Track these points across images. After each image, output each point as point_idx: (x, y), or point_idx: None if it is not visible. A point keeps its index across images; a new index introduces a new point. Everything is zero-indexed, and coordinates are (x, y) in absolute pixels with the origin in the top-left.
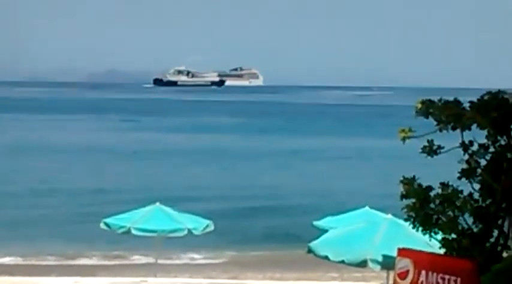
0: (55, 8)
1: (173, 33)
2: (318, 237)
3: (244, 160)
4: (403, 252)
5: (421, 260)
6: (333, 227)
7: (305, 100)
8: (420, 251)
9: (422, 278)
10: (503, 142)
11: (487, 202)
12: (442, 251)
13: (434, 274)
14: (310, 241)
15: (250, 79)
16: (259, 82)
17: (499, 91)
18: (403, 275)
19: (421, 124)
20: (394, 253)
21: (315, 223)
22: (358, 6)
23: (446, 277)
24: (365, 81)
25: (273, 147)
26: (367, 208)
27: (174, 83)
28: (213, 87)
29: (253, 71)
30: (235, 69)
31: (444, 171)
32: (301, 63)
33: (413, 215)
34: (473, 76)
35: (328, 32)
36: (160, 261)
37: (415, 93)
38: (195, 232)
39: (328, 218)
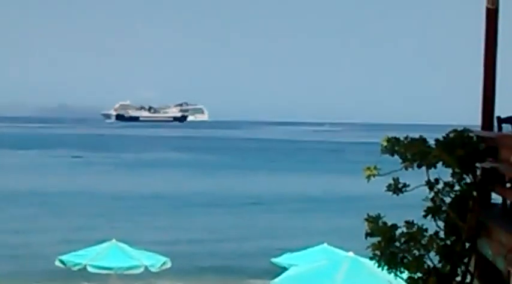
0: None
1: (124, 67)
2: (278, 274)
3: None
4: None
5: None
6: (292, 264)
7: (254, 136)
8: None
9: None
10: (468, 180)
11: (452, 240)
12: None
13: None
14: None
15: (196, 115)
16: (204, 117)
17: (464, 129)
18: None
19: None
20: None
21: (273, 260)
22: (310, 44)
23: None
24: (317, 117)
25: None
26: (325, 244)
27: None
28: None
29: (199, 106)
30: (180, 105)
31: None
32: (251, 99)
33: (379, 254)
34: (420, 113)
35: (279, 67)
36: None
37: (366, 129)
38: (152, 269)
39: (287, 255)
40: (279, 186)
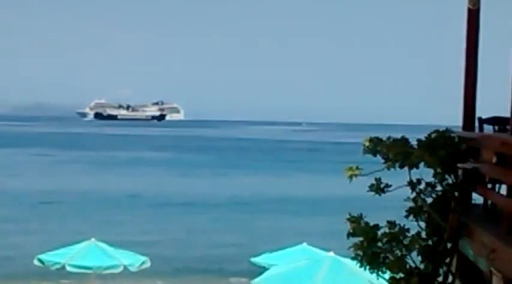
0: None
1: (99, 66)
2: (258, 274)
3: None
4: None
5: None
6: (271, 264)
7: (233, 135)
8: None
9: None
10: (450, 181)
11: (434, 240)
12: None
13: None
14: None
15: (172, 114)
16: (180, 116)
17: (446, 130)
18: None
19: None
20: None
21: (253, 259)
22: (287, 42)
23: None
24: (294, 117)
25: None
26: (304, 244)
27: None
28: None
29: (174, 105)
30: (156, 103)
31: None
32: (227, 99)
33: (361, 254)
34: (398, 113)
35: (256, 66)
36: None
37: (343, 129)
38: (131, 269)
39: (266, 255)
40: (258, 185)
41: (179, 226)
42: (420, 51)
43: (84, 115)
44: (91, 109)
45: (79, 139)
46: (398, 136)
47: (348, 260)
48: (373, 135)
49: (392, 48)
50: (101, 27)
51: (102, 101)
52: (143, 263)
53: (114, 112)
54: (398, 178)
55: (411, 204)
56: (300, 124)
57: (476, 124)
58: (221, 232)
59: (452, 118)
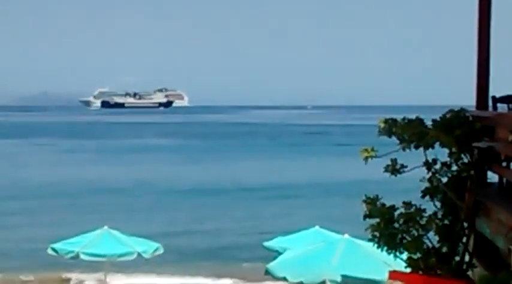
0: None
1: (104, 53)
2: (272, 258)
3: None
4: (394, 275)
5: (415, 282)
6: (284, 248)
7: (235, 120)
8: (412, 273)
9: None
10: (466, 160)
11: (450, 219)
12: (408, 270)
13: None
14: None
15: (176, 100)
16: (184, 103)
17: (461, 109)
18: None
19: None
20: (353, 273)
21: (265, 243)
22: (290, 27)
23: None
24: (300, 100)
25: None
26: (317, 227)
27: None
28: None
29: (179, 92)
30: (160, 90)
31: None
32: (229, 85)
33: (378, 235)
34: (404, 94)
35: (260, 51)
36: None
37: (348, 111)
38: (144, 255)
39: (279, 239)
40: (266, 170)
41: (188, 213)
42: (430, 29)
43: (87, 103)
44: (95, 97)
45: (88, 128)
46: (402, 117)
47: (362, 242)
48: (377, 116)
49: (393, 29)
50: (100, 13)
51: (106, 89)
52: (156, 249)
53: (121, 100)
54: (406, 160)
55: (426, 184)
56: (305, 107)
57: (490, 103)
58: (231, 218)
59: (459, 98)
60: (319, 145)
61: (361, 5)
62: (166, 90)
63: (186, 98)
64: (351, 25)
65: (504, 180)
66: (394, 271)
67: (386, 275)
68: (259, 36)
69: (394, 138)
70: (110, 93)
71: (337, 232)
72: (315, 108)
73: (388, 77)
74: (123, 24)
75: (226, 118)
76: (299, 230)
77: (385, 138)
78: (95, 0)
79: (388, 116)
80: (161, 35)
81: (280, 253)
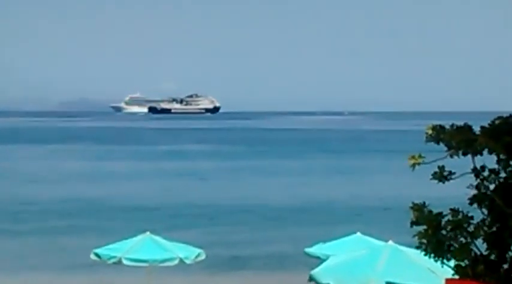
0: (17, 36)
1: (140, 61)
2: (314, 265)
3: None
4: (451, 283)
5: None
6: (326, 254)
7: (271, 126)
8: (470, 281)
9: None
10: None
11: (497, 227)
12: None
13: None
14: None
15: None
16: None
17: (510, 116)
18: None
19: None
20: (397, 280)
21: (307, 250)
22: (326, 33)
23: None
24: (336, 106)
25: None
26: (358, 234)
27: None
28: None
29: (210, 97)
30: (191, 96)
31: None
32: (260, 90)
33: (425, 242)
34: (438, 100)
35: (294, 59)
36: None
37: (384, 117)
38: (186, 261)
39: (320, 245)
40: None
41: (229, 225)
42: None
43: (118, 109)
44: (126, 103)
45: (133, 133)
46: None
47: (406, 249)
48: (415, 122)
49: (431, 36)
50: (139, 24)
51: (137, 95)
52: (198, 255)
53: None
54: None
55: (474, 191)
56: (341, 113)
57: None
58: (272, 227)
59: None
60: (360, 151)
61: (398, 14)
62: (196, 96)
63: (217, 104)
64: (385, 35)
65: None
66: (452, 279)
67: (443, 282)
68: (296, 44)
69: (429, 145)
70: (140, 98)
71: (379, 239)
72: (351, 114)
73: (421, 85)
74: (161, 33)
75: (266, 124)
76: (339, 237)
77: (420, 144)
78: (130, 13)
79: (424, 122)
80: (185, 41)
81: (322, 260)
